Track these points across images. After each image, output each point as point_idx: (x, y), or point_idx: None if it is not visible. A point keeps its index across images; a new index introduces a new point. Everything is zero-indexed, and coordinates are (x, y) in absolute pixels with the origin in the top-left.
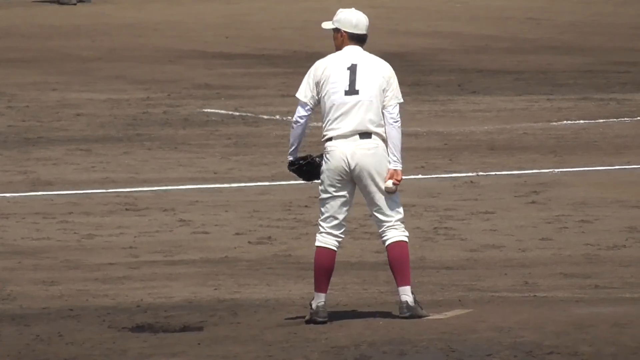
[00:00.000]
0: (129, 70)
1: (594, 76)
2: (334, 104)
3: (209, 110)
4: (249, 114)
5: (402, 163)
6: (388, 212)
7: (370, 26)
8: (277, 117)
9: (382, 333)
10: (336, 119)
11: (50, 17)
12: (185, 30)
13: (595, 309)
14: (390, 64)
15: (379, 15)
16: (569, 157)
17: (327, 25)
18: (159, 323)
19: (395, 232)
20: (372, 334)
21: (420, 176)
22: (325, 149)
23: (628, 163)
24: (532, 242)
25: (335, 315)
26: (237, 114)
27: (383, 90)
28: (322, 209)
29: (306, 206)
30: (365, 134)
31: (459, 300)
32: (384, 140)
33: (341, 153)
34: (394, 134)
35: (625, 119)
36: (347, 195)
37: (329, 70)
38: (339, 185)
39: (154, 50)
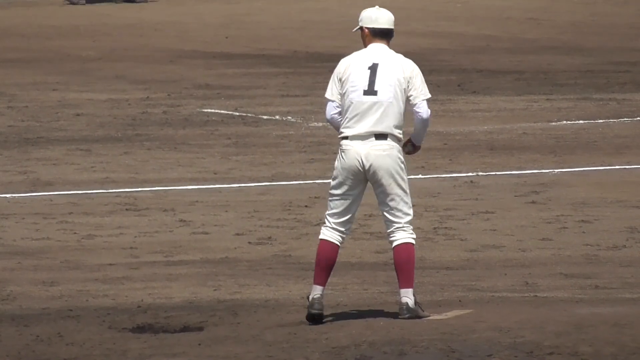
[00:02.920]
0: (129, 71)
1: (594, 76)
2: (352, 103)
3: (208, 110)
4: (249, 114)
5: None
6: (399, 213)
7: None
8: (277, 117)
9: (383, 333)
10: (353, 117)
11: (51, 17)
12: (185, 31)
13: (595, 309)
14: None
15: None
16: (569, 157)
17: (355, 29)
18: (159, 323)
19: (404, 234)
20: (372, 334)
21: (420, 176)
22: (340, 146)
23: (628, 163)
24: (532, 242)
25: (335, 316)
26: (237, 114)
27: (405, 90)
28: (331, 204)
29: (306, 206)
30: (381, 135)
31: (459, 301)
32: (400, 141)
33: (356, 153)
34: (419, 126)
35: (625, 119)
36: (358, 194)
37: (351, 68)
38: (350, 184)
39: (154, 51)
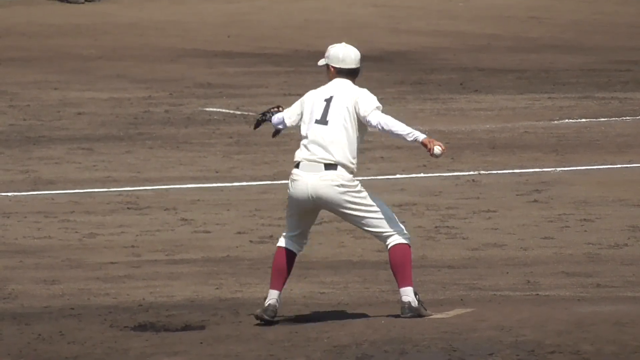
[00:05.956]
0: (130, 69)
1: (596, 75)
2: (306, 132)
3: (210, 109)
4: (250, 113)
5: (404, 159)
6: (380, 229)
7: (373, 25)
8: None
9: (384, 332)
10: (306, 145)
11: (52, 16)
12: (186, 30)
13: (597, 307)
14: (392, 63)
15: (381, 14)
16: (571, 155)
17: (321, 62)
18: (161, 322)
19: (396, 237)
20: (373, 333)
21: (422, 175)
22: (291, 174)
23: (630, 162)
24: (533, 241)
25: (336, 315)
26: (239, 112)
27: (355, 116)
28: (287, 222)
29: None
30: (330, 165)
31: (461, 299)
32: (353, 172)
33: (304, 184)
34: (391, 124)
35: (627, 117)
36: (309, 217)
37: (311, 99)
38: (300, 211)
39: (155, 50)
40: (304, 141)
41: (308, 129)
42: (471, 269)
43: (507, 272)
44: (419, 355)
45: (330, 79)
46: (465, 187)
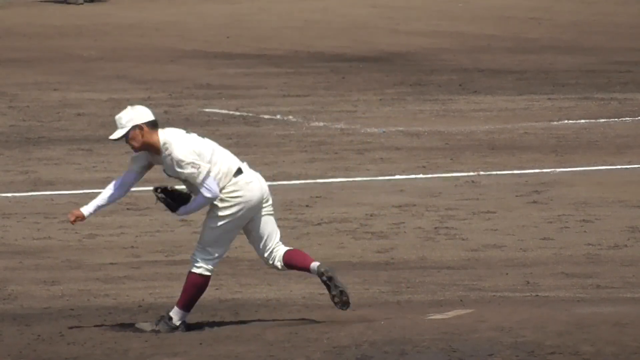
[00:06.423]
0: (130, 70)
1: (596, 76)
2: (228, 161)
3: (210, 110)
4: (250, 114)
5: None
6: (277, 232)
7: (372, 25)
8: (278, 117)
9: (384, 333)
10: (229, 154)
11: (52, 17)
12: (186, 30)
13: (597, 308)
14: (392, 64)
15: (380, 15)
16: (570, 156)
17: (119, 134)
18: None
19: (282, 246)
20: (373, 333)
21: (421, 176)
22: (236, 183)
23: (629, 163)
24: (533, 242)
25: (336, 315)
26: (238, 113)
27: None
28: (219, 248)
29: (307, 206)
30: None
31: (460, 300)
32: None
33: (258, 184)
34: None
35: (627, 118)
36: (242, 226)
37: (208, 148)
38: (245, 220)
39: (155, 50)
40: (226, 163)
41: (231, 159)
42: (471, 269)
43: (507, 273)
44: (419, 356)
45: (145, 141)
46: (465, 188)
